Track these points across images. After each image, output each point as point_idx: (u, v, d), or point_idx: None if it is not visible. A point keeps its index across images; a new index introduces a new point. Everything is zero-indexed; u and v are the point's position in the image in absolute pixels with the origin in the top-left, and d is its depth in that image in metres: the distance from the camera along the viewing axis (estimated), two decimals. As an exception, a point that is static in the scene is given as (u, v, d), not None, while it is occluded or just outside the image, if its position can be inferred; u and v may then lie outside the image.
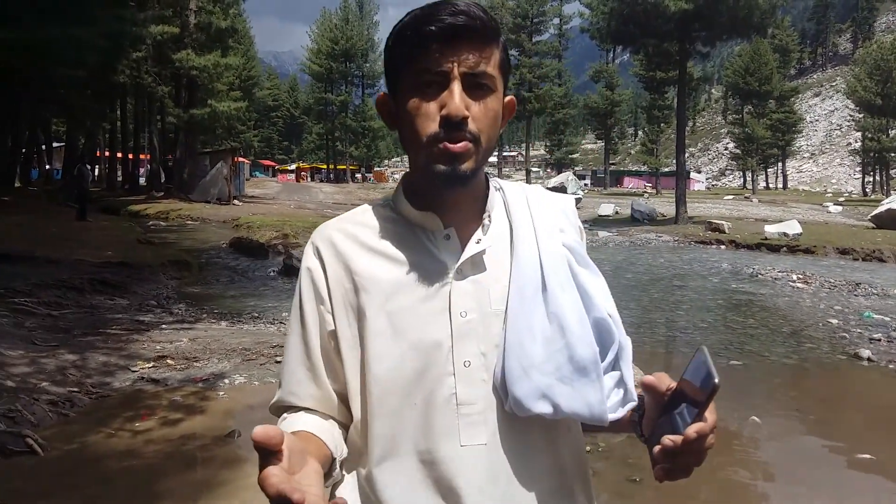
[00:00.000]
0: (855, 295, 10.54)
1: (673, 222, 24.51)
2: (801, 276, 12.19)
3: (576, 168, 72.88)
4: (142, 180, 37.92)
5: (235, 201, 27.60)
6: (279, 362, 4.14)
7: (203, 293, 9.76)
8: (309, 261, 1.00)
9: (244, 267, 12.38)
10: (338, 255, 0.98)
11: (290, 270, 11.16)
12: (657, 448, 0.81)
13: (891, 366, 6.58)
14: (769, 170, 71.90)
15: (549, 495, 0.93)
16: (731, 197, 47.54)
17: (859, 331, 8.01)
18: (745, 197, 46.88)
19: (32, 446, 3.80)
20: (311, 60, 62.04)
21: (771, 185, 73.87)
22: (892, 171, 58.61)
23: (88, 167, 20.45)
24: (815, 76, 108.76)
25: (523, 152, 72.07)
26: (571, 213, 1.06)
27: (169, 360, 5.66)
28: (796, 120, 65.07)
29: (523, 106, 57.27)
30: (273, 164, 79.69)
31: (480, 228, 0.99)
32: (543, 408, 0.88)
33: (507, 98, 0.99)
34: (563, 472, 0.95)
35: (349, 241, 0.99)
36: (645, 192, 57.65)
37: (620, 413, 0.92)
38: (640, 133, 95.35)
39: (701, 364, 0.79)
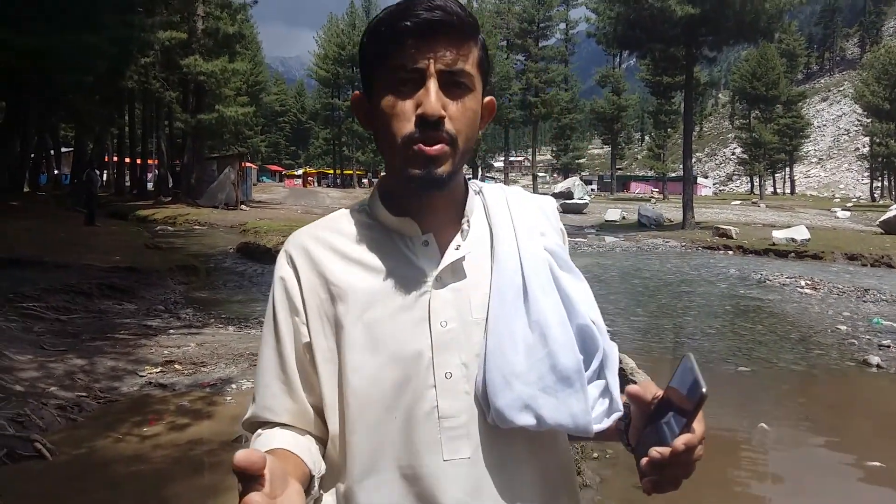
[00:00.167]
0: (863, 301, 10.47)
1: (680, 227, 24.46)
2: (809, 282, 12.12)
3: (582, 173, 72.70)
4: (150, 185, 38.27)
5: (243, 206, 27.72)
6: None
7: (210, 298, 9.79)
8: (282, 270, 0.96)
9: (251, 272, 12.40)
10: (312, 263, 0.94)
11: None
12: (644, 460, 0.79)
13: (900, 372, 6.53)
14: (776, 175, 71.74)
15: None
16: (738, 202, 47.42)
17: (868, 337, 7.95)
18: (753, 202, 46.79)
19: (41, 451, 3.81)
20: (317, 65, 62.38)
21: (778, 191, 73.64)
22: (900, 176, 58.37)
23: (97, 172, 20.55)
24: (822, 81, 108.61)
25: (530, 157, 72.16)
26: (553, 216, 1.03)
27: (176, 365, 5.67)
28: (804, 125, 64.98)
29: (530, 111, 57.36)
30: (280, 169, 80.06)
31: (459, 234, 0.95)
32: (526, 419, 0.85)
33: (487, 98, 0.96)
34: (549, 484, 0.92)
35: (324, 248, 0.95)
36: (652, 197, 57.52)
37: (606, 424, 0.90)
38: (646, 138, 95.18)
39: (688, 371, 0.77)
